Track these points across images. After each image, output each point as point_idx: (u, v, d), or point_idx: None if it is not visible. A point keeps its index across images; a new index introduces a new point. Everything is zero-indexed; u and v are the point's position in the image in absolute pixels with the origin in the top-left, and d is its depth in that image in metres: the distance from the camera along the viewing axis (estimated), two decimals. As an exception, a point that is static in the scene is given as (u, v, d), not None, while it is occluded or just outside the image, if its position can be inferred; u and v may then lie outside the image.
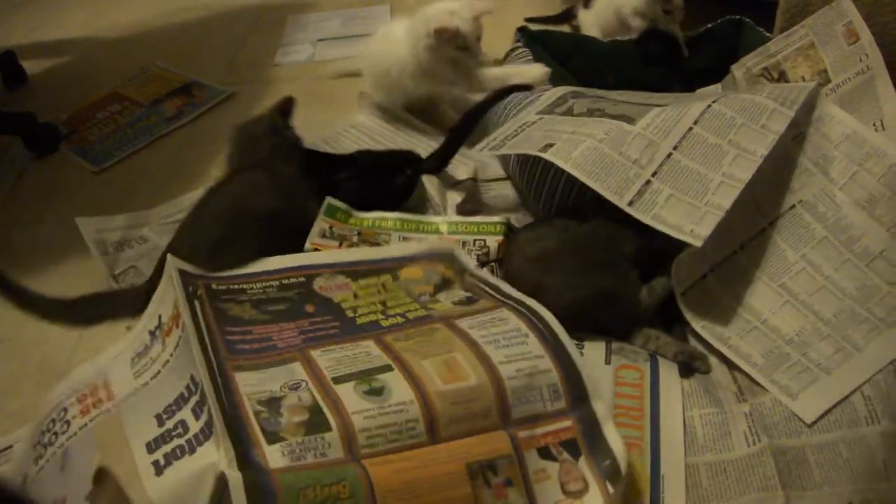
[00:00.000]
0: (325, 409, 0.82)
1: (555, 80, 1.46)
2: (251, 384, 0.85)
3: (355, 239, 1.25)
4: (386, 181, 1.39)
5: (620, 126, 1.16)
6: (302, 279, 1.08)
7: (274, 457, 0.77)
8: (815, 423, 0.97)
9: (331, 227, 1.26)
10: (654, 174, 1.10)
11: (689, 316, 1.09)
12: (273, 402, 0.82)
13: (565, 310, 1.05)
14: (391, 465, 0.80)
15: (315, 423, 0.80)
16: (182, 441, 0.83)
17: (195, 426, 0.83)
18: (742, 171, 1.08)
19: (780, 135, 1.10)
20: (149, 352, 0.96)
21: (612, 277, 1.11)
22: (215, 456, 0.77)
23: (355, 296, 1.07)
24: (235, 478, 0.74)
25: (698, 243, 1.02)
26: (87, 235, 1.51)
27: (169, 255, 1.01)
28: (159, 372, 0.92)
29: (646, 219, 1.06)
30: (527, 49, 1.54)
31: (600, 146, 1.13)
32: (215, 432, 0.79)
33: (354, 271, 1.13)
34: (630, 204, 1.08)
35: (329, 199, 1.28)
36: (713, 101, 1.17)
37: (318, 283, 1.08)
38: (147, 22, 2.56)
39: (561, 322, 1.05)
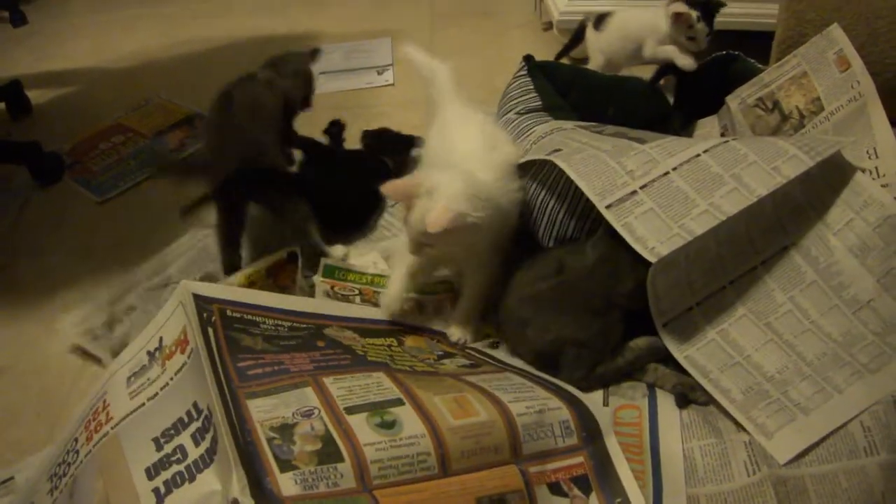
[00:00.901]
0: (337, 439, 0.83)
1: (555, 112, 1.48)
2: (264, 410, 0.85)
3: (357, 301, 1.30)
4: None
5: (629, 143, 1.18)
6: (312, 327, 1.09)
7: (286, 485, 0.77)
8: (788, 462, 0.98)
9: (332, 288, 1.30)
10: (643, 187, 1.10)
11: (671, 346, 1.10)
12: (285, 430, 0.83)
13: (546, 346, 1.10)
14: (403, 497, 0.81)
15: (327, 452, 0.81)
16: (181, 467, 0.83)
17: (195, 452, 0.83)
18: (730, 205, 1.08)
19: (789, 180, 1.09)
20: (146, 372, 0.96)
21: (596, 327, 1.12)
22: (216, 484, 0.78)
23: (363, 347, 1.09)
24: (248, 505, 0.74)
25: (653, 259, 1.03)
26: (72, 334, 1.41)
27: (183, 281, 1.02)
28: (156, 394, 0.92)
29: (617, 225, 1.07)
30: (529, 78, 1.56)
31: (602, 154, 1.15)
32: (219, 459, 0.80)
33: (362, 329, 1.14)
34: (608, 207, 1.08)
35: (325, 260, 1.33)
36: (733, 139, 1.17)
37: (328, 332, 1.10)
38: (151, 53, 2.58)
39: (538, 358, 1.11)
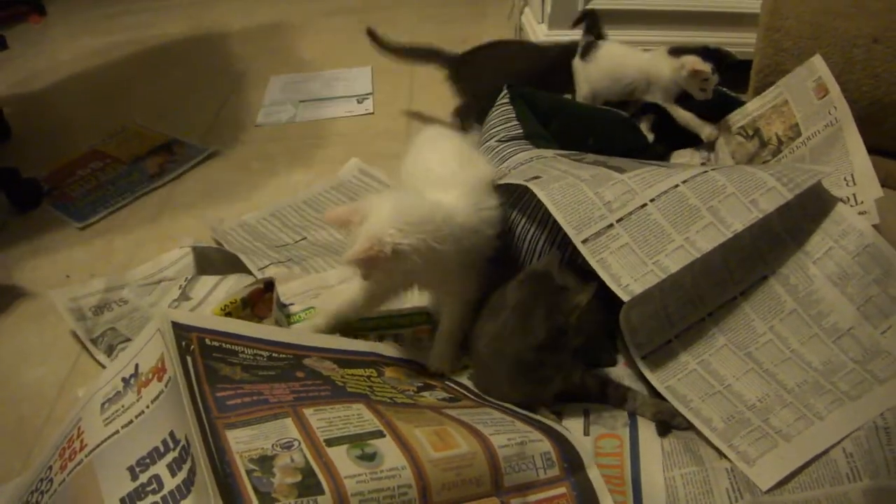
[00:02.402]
0: (317, 471, 0.82)
1: (536, 140, 1.48)
2: (243, 442, 0.84)
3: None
4: None
5: (609, 173, 1.18)
6: (291, 357, 1.08)
7: None
8: (771, 489, 0.97)
9: None
10: (619, 220, 1.10)
11: (650, 377, 1.10)
12: (265, 461, 0.82)
13: (512, 367, 1.08)
14: (384, 530, 0.80)
15: (307, 485, 0.80)
16: (157, 498, 0.82)
17: (171, 483, 0.82)
18: (705, 241, 1.08)
19: (766, 214, 1.10)
20: (121, 399, 0.95)
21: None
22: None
23: (342, 377, 1.08)
24: (228, 539, 0.73)
25: (626, 297, 1.04)
26: (61, 305, 1.47)
27: (162, 309, 1.01)
28: (131, 422, 0.91)
29: (592, 260, 1.07)
30: (510, 106, 1.56)
31: (580, 184, 1.15)
32: (196, 491, 0.78)
33: (342, 359, 1.14)
34: (584, 241, 1.08)
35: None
36: (713, 168, 1.17)
37: (307, 362, 1.09)
38: (130, 77, 2.59)
39: (507, 379, 1.10)
